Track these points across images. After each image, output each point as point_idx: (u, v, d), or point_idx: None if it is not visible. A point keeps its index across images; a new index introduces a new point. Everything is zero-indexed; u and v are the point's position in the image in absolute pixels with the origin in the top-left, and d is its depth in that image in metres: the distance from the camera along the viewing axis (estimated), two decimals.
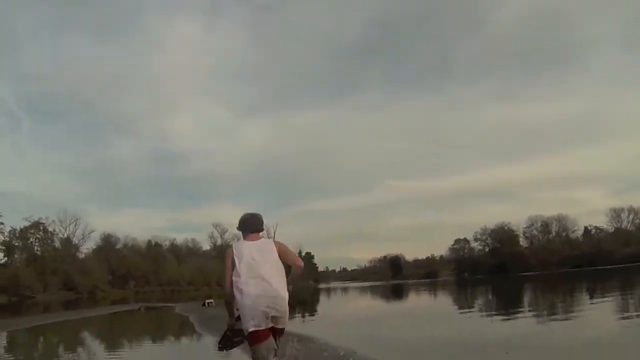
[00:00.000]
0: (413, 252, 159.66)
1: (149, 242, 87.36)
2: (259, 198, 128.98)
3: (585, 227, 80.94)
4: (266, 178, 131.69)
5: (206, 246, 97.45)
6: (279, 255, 3.31)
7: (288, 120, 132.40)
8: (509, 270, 74.08)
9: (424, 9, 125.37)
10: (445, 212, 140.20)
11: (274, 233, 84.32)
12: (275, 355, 3.21)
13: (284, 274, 3.29)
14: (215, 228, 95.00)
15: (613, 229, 77.68)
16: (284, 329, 3.27)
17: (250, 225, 3.50)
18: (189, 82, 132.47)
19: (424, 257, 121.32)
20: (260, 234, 3.52)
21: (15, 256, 68.79)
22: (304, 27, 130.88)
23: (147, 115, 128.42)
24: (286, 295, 3.22)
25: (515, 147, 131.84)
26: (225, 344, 3.67)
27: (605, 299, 20.49)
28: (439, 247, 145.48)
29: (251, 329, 3.10)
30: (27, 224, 69.74)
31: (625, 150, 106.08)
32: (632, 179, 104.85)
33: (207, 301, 28.68)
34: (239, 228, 3.54)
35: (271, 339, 3.17)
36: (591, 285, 33.92)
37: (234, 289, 3.19)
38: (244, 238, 3.46)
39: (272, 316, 3.12)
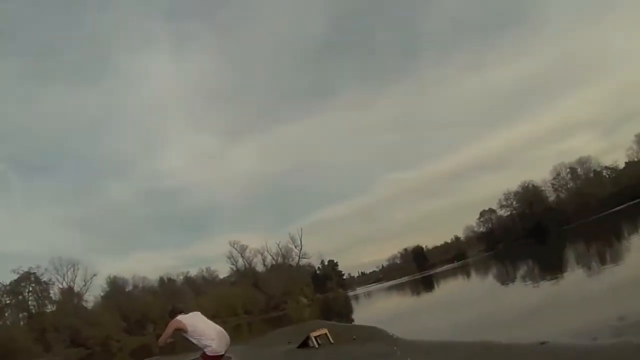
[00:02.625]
0: (432, 240, 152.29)
1: (161, 278, 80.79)
2: (264, 219, 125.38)
3: (594, 170, 73.04)
4: (265, 198, 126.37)
5: (223, 274, 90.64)
6: None
7: (273, 137, 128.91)
8: (547, 229, 67.78)
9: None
10: (451, 193, 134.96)
11: (300, 238, 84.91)
12: None
13: None
14: (234, 246, 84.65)
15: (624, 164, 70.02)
16: None
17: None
18: (170, 116, 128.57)
19: (444, 242, 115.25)
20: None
21: (7, 314, 60.44)
22: (269, 38, 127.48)
23: (135, 155, 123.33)
24: None
25: (498, 113, 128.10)
26: None
27: None
28: (457, 230, 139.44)
29: None
30: (16, 276, 61.18)
31: (603, 90, 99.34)
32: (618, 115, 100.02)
33: (314, 335, 14.54)
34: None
35: None
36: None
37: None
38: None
39: None
